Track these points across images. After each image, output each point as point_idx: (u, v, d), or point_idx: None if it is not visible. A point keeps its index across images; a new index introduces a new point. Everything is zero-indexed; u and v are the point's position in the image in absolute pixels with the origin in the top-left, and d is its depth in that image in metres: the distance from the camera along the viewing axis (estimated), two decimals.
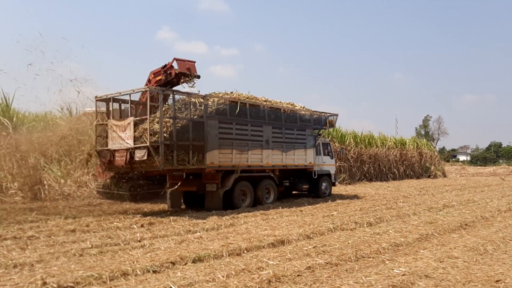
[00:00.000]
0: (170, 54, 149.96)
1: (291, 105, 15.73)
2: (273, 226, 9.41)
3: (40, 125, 17.44)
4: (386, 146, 32.73)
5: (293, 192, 16.61)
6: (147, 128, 10.74)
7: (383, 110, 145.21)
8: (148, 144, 10.51)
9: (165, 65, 12.46)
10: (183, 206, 13.75)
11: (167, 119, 11.07)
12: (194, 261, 6.23)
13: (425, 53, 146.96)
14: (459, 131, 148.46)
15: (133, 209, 12.82)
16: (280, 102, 15.31)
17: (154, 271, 5.71)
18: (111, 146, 11.56)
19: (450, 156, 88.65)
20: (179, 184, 12.16)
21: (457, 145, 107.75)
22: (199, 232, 8.75)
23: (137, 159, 10.83)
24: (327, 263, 6.25)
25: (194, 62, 12.71)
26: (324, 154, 17.04)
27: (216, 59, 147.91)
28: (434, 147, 43.99)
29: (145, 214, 11.63)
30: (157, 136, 10.70)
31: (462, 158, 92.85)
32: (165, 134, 10.83)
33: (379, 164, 31.05)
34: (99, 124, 12.16)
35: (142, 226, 9.44)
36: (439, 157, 42.38)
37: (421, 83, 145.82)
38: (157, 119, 10.93)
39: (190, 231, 8.84)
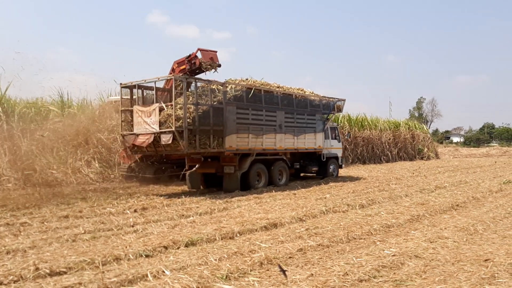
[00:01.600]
0: (161, 38, 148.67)
1: (301, 90, 16.08)
2: (266, 210, 9.46)
3: (31, 111, 17.35)
4: (379, 129, 32.83)
5: (301, 174, 17.32)
6: (171, 114, 11.30)
7: (377, 93, 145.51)
8: (173, 129, 11.10)
9: (189, 55, 13.25)
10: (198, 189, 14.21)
11: (190, 105, 11.55)
12: (187, 245, 6.26)
13: (417, 35, 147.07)
14: (453, 113, 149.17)
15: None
16: (290, 88, 15.67)
17: (147, 256, 5.75)
18: (136, 130, 12.12)
19: (443, 137, 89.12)
20: (198, 166, 13.40)
21: (451, 126, 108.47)
22: (192, 216, 8.78)
23: (162, 143, 11.43)
24: (319, 245, 6.30)
25: (216, 51, 13.46)
26: (332, 138, 17.77)
27: (208, 43, 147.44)
28: (427, 129, 44.10)
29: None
30: (181, 121, 11.24)
31: (455, 139, 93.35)
32: (188, 120, 11.36)
33: (372, 147, 31.20)
34: (124, 110, 12.74)
35: (135, 211, 9.46)
36: (432, 138, 42.58)
37: (414, 65, 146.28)
38: (179, 105, 11.40)
39: (183, 215, 8.87)
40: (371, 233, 7.18)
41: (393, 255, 5.67)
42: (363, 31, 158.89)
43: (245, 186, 13.34)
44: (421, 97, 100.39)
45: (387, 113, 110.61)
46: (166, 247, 6.10)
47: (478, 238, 6.85)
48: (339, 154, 18.23)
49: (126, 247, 6.06)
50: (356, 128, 30.09)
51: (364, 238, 6.85)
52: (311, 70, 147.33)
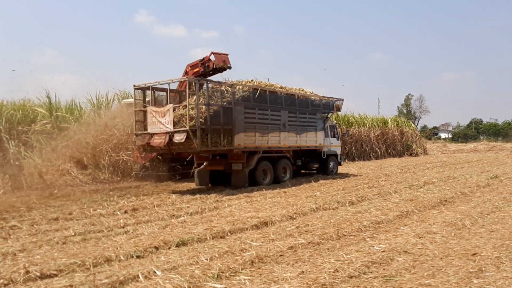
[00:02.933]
0: (148, 38, 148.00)
1: (302, 91, 16.72)
2: (257, 208, 9.49)
3: (19, 114, 17.21)
4: (367, 126, 33.02)
5: (302, 171, 17.85)
6: (184, 114, 12.06)
7: (365, 90, 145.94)
8: (187, 128, 11.78)
9: (203, 59, 14.20)
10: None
11: (202, 106, 12.18)
12: (177, 245, 6.27)
13: (404, 32, 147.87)
14: (441, 109, 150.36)
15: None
16: (292, 88, 16.28)
17: (138, 256, 5.75)
18: (151, 130, 12.70)
19: (432, 133, 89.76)
20: (207, 164, 14.24)
21: (439, 122, 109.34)
22: (183, 216, 8.78)
23: (176, 141, 12.03)
24: (309, 242, 6.35)
25: (227, 54, 14.45)
26: (332, 136, 18.43)
27: (195, 42, 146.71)
28: (416, 126, 44.44)
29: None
30: (194, 121, 11.88)
31: (443, 135, 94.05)
32: (201, 119, 12.02)
33: (361, 144, 31.37)
34: (138, 110, 13.31)
35: (125, 212, 9.42)
36: (420, 135, 42.91)
37: (401, 62, 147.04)
38: (191, 106, 12.04)
39: (174, 215, 8.86)
40: (361, 229, 7.25)
41: (383, 251, 5.74)
42: (349, 28, 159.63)
43: (252, 182, 13.99)
44: (409, 94, 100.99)
45: (376, 110, 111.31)
46: (157, 248, 6.11)
47: (466, 233, 6.95)
48: (338, 151, 18.94)
49: (117, 249, 6.05)
50: (343, 126, 30.23)
51: (354, 235, 6.92)
52: (299, 68, 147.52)
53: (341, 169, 19.61)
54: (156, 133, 12.46)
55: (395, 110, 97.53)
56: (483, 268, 5.04)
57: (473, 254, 5.62)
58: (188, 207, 9.92)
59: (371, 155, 32.03)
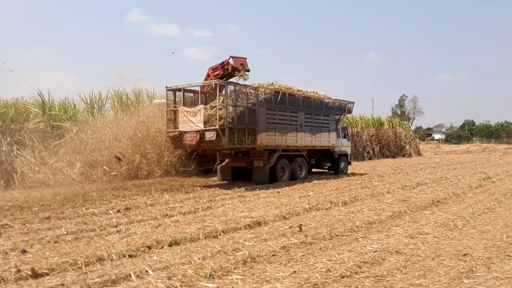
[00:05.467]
0: (143, 38, 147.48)
1: (316, 93, 17.75)
2: (250, 208, 9.49)
3: (11, 112, 17.08)
4: (360, 126, 33.11)
5: (312, 169, 18.76)
6: (213, 114, 13.14)
7: (360, 90, 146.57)
8: (217, 127, 12.80)
9: (223, 62, 15.19)
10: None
11: (229, 107, 13.10)
12: (170, 245, 6.26)
13: (396, 33, 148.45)
14: (434, 110, 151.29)
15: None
16: (307, 91, 17.29)
17: (130, 256, 5.73)
18: (182, 128, 13.76)
19: (425, 135, 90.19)
20: (230, 160, 15.56)
21: (432, 124, 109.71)
22: (176, 216, 8.76)
23: (206, 139, 13.09)
24: (302, 242, 6.37)
25: (246, 58, 15.34)
26: (343, 137, 19.30)
27: (189, 42, 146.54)
28: (409, 126, 44.63)
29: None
30: (222, 120, 12.86)
31: (437, 136, 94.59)
32: (228, 119, 12.97)
33: (355, 144, 31.45)
34: (169, 110, 14.29)
35: (118, 211, 9.38)
36: (414, 136, 43.10)
37: (394, 63, 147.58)
38: (220, 106, 12.97)
39: (167, 215, 8.84)
40: (354, 229, 7.28)
41: (375, 251, 5.76)
42: (343, 29, 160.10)
43: (272, 179, 14.85)
44: (403, 94, 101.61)
45: (370, 110, 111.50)
46: (149, 247, 6.09)
47: (457, 233, 7.00)
48: (349, 152, 19.81)
49: (109, 248, 6.03)
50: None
51: (346, 235, 6.94)
52: (293, 68, 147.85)
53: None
54: (187, 131, 13.53)
55: (389, 111, 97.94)
56: (474, 269, 5.08)
57: (464, 255, 5.66)
58: (181, 206, 9.89)
59: (364, 156, 32.14)
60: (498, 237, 6.70)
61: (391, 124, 37.82)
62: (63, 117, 17.39)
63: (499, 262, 5.35)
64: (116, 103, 19.44)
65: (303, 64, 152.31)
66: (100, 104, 19.41)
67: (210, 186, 14.15)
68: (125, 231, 7.28)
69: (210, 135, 12.96)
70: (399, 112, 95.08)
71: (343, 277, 4.83)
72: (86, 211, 9.34)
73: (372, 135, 33.96)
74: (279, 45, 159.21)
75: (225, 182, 15.63)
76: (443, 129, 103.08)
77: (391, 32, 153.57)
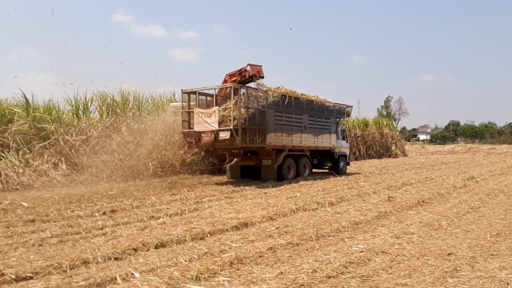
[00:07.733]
0: (127, 39, 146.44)
1: (317, 97, 18.73)
2: (237, 209, 9.48)
3: None
4: (346, 127, 33.28)
5: (312, 170, 19.16)
6: (226, 115, 14.11)
7: (345, 92, 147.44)
8: (231, 127, 13.72)
9: (240, 69, 16.45)
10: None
11: (241, 108, 14.00)
12: (156, 247, 6.22)
13: (382, 35, 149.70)
14: (420, 111, 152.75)
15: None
16: (307, 95, 18.22)
17: (116, 258, 5.68)
18: (197, 128, 14.67)
19: (410, 135, 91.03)
20: (239, 159, 16.42)
21: (418, 124, 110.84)
22: (163, 218, 8.70)
23: (221, 138, 14.03)
24: (289, 243, 6.38)
25: (261, 66, 16.63)
26: (342, 139, 20.31)
27: (175, 43, 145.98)
28: (395, 127, 45.00)
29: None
30: (236, 121, 13.77)
31: (422, 137, 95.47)
32: (241, 120, 13.90)
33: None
34: (185, 112, 15.23)
35: (104, 213, 9.29)
36: (400, 136, 43.46)
37: (379, 64, 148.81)
38: (233, 108, 13.84)
39: (153, 217, 8.78)
40: (340, 230, 7.32)
41: (361, 252, 5.80)
42: (328, 31, 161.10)
43: (279, 176, 15.84)
44: (389, 96, 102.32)
45: (356, 111, 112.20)
46: (135, 249, 6.05)
47: (442, 233, 7.07)
48: (347, 152, 20.90)
49: (94, 250, 5.98)
50: None
51: (333, 235, 6.97)
52: (280, 69, 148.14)
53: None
54: (203, 131, 14.40)
55: (375, 111, 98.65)
56: (458, 268, 5.14)
57: (449, 254, 5.73)
58: (167, 208, 9.83)
59: (350, 156, 32.27)
60: (482, 236, 6.79)
61: (378, 124, 38.08)
62: (48, 119, 17.19)
63: (483, 261, 5.42)
64: (101, 106, 19.25)
65: (289, 65, 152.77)
66: (85, 106, 19.22)
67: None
68: (111, 234, 7.22)
69: (224, 135, 13.89)
70: (384, 113, 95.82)
71: (329, 277, 4.85)
72: (71, 214, 9.23)
73: (358, 136, 34.14)
74: (266, 46, 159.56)
75: (234, 180, 16.45)
76: (428, 130, 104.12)
77: (375, 34, 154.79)
